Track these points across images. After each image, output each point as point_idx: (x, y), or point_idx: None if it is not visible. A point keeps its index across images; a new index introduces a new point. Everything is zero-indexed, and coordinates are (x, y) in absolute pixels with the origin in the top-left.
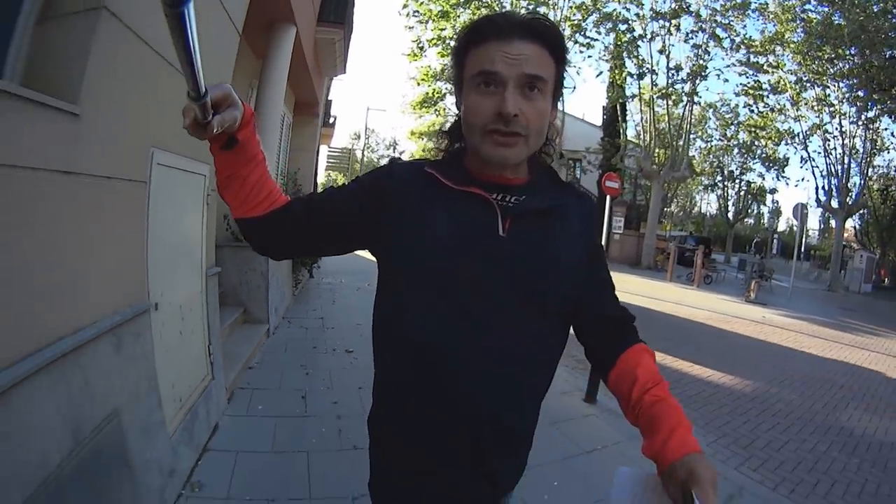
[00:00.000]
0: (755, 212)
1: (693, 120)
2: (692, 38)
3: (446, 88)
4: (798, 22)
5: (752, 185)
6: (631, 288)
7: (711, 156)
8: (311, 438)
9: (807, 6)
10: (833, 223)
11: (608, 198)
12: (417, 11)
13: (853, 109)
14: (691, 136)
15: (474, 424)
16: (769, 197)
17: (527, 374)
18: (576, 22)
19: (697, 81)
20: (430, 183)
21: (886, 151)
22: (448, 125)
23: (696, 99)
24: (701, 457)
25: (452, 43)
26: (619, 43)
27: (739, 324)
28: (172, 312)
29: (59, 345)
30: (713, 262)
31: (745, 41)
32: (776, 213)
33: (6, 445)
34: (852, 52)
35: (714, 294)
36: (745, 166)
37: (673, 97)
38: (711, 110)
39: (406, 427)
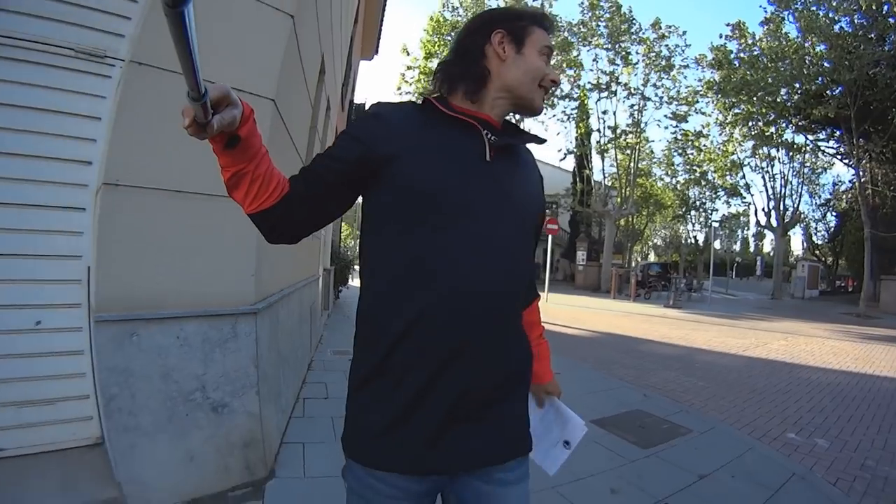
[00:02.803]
0: (739, 237)
1: (660, 159)
2: (627, 101)
3: None
4: (726, 69)
5: (714, 212)
6: (586, 303)
7: (678, 188)
8: None
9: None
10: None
11: (549, 238)
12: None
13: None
14: (659, 173)
15: (479, 347)
16: (742, 220)
17: (518, 296)
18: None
19: (631, 136)
20: (420, 114)
21: (824, 172)
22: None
23: (639, 147)
24: (556, 381)
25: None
26: (582, 102)
27: (636, 318)
28: (322, 280)
29: (309, 278)
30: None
31: (672, 97)
32: (760, 236)
33: (304, 299)
34: (744, 99)
35: (643, 304)
36: (706, 196)
37: (612, 150)
38: (677, 148)
39: (408, 363)
